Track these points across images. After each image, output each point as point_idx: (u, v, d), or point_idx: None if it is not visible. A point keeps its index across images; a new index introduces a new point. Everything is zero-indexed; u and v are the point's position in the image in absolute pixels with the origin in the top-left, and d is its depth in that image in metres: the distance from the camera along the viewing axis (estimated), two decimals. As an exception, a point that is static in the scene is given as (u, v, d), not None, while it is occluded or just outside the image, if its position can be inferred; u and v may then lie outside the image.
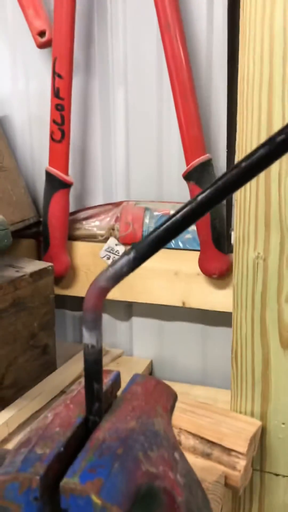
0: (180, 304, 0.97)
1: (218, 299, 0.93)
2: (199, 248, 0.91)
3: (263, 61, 0.64)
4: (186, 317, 1.02)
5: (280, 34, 0.63)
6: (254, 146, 0.66)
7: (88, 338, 0.38)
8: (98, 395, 0.40)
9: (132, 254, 0.37)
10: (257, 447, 0.76)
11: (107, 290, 0.38)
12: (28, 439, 0.39)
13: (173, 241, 0.93)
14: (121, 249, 0.98)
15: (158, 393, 0.45)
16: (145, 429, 0.40)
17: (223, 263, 0.88)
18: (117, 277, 0.37)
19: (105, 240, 0.99)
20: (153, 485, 0.37)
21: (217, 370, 1.02)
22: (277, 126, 0.65)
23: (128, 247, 0.97)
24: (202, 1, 0.86)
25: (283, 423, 0.75)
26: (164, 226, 0.36)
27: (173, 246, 0.94)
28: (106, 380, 0.45)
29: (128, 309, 1.07)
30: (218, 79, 0.88)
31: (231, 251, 0.88)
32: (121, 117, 0.97)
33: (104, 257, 1.00)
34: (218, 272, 0.88)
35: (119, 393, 0.47)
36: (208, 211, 0.36)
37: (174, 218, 0.36)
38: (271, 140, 0.32)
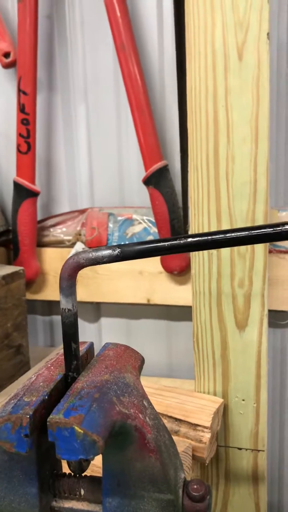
0: (145, 302, 1.04)
1: (180, 294, 1.01)
2: (160, 248, 0.99)
3: (207, 75, 0.73)
4: (151, 315, 1.09)
5: (220, 50, 0.72)
6: (204, 151, 0.75)
7: (64, 303, 0.45)
8: (76, 353, 0.46)
9: (116, 251, 0.43)
10: (221, 423, 0.83)
11: (82, 266, 0.44)
12: (16, 393, 0.45)
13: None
14: (88, 252, 1.04)
15: (128, 355, 0.52)
16: (117, 381, 0.46)
17: (183, 260, 0.96)
18: (95, 262, 0.43)
19: (72, 245, 1.06)
20: (126, 423, 0.43)
21: (182, 362, 1.09)
22: (222, 133, 0.74)
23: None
24: (153, 23, 0.96)
25: (243, 400, 0.82)
26: (153, 245, 0.42)
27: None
28: (82, 348, 0.52)
29: (97, 311, 1.13)
30: (170, 92, 0.97)
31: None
32: (83, 130, 1.05)
33: (72, 261, 1.06)
34: (179, 268, 0.96)
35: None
36: (191, 251, 0.42)
37: (162, 244, 0.42)
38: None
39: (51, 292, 1.09)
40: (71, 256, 0.44)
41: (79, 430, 0.39)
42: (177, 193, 0.96)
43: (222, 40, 0.72)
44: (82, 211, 1.07)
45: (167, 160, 0.95)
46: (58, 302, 1.12)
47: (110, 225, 1.03)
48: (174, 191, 0.95)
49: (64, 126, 1.05)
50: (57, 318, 1.16)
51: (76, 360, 0.46)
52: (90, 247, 1.04)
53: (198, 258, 0.80)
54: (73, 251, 1.06)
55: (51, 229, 1.08)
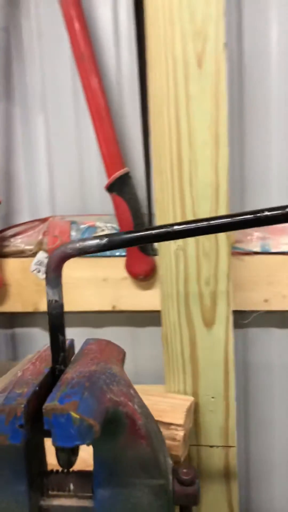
0: (110, 308, 1.04)
1: (146, 299, 1.02)
2: (124, 254, 1.00)
3: (169, 82, 0.77)
4: (115, 322, 1.10)
5: (180, 59, 0.75)
6: (168, 156, 0.78)
7: (51, 294, 0.45)
8: (63, 345, 0.46)
9: (104, 240, 0.43)
10: (192, 422, 0.84)
11: (69, 257, 0.44)
12: (4, 388, 0.44)
13: (99, 249, 1.01)
14: (51, 261, 1.04)
15: (110, 349, 0.52)
16: (105, 371, 0.47)
17: (148, 264, 0.98)
18: (82, 252, 0.44)
19: (34, 254, 1.05)
20: (118, 409, 0.44)
21: (148, 368, 1.10)
22: (184, 137, 0.77)
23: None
24: (109, 33, 0.98)
25: (213, 397, 0.84)
26: (139, 234, 0.43)
27: (99, 255, 1.03)
28: (63, 345, 0.52)
29: (60, 321, 1.13)
30: (129, 101, 0.99)
31: (154, 254, 0.98)
32: (42, 141, 1.05)
33: (34, 270, 1.05)
34: (144, 273, 0.98)
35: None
36: (176, 238, 0.43)
37: (148, 232, 0.43)
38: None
39: (13, 303, 1.08)
40: (58, 247, 0.44)
41: (76, 416, 0.39)
42: (140, 200, 0.98)
43: (182, 49, 0.75)
44: (43, 220, 1.07)
45: (128, 167, 0.97)
46: (20, 314, 1.11)
47: (73, 233, 1.04)
48: (137, 197, 0.97)
49: (23, 137, 1.06)
50: (20, 331, 1.14)
51: (63, 352, 0.46)
52: (53, 256, 1.04)
53: (166, 260, 0.82)
54: (35, 260, 1.05)
55: (12, 239, 1.07)
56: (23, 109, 1.05)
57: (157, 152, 0.79)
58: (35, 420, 0.42)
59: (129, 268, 0.99)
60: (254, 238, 0.96)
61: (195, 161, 0.78)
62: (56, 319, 0.45)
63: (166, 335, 0.84)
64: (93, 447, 0.46)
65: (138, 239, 0.43)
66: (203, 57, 0.75)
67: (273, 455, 1.07)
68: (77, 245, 0.44)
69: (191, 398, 0.83)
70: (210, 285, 0.80)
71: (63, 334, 0.46)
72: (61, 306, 0.45)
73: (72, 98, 1.02)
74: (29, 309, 1.08)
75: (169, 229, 0.42)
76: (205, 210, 0.79)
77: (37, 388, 0.43)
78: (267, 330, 1.03)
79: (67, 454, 0.47)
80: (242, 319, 1.02)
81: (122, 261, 1.02)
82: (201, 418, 0.85)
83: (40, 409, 0.42)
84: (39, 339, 1.15)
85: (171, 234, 0.42)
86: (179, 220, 0.80)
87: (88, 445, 0.40)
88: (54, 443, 0.40)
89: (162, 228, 0.42)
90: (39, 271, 1.05)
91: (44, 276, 1.05)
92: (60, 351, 0.46)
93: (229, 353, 0.82)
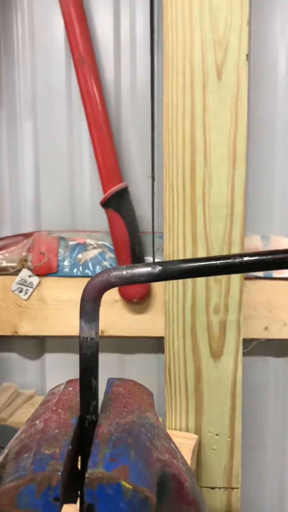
0: (99, 334, 0.96)
1: (137, 324, 0.95)
2: (117, 274, 0.93)
3: (185, 92, 0.71)
4: (102, 348, 1.01)
5: (199, 68, 0.70)
6: (180, 170, 0.72)
7: (87, 330, 0.37)
8: (96, 392, 0.38)
9: (157, 269, 0.36)
10: (195, 463, 0.77)
11: (111, 286, 0.37)
12: (24, 445, 0.36)
13: (91, 269, 0.94)
14: (35, 280, 0.95)
15: (139, 391, 0.45)
16: (143, 422, 0.39)
17: (143, 287, 0.91)
18: (129, 281, 0.36)
19: (17, 272, 0.96)
20: (164, 471, 0.36)
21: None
22: (199, 152, 0.71)
23: (44, 278, 0.96)
24: (109, 39, 0.92)
25: (217, 434, 0.78)
26: (201, 263, 0.35)
27: (90, 274, 0.95)
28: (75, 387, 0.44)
29: (40, 346, 1.03)
30: (127, 111, 0.93)
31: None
32: (30, 148, 0.97)
33: (16, 290, 0.96)
34: (139, 296, 0.90)
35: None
36: (245, 272, 0.36)
37: (213, 262, 0.36)
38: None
39: (-9, 325, 0.98)
40: (99, 274, 0.37)
41: (128, 486, 0.31)
42: (137, 218, 0.91)
43: (201, 58, 0.70)
44: (27, 235, 0.98)
45: (126, 182, 0.90)
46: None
47: (61, 250, 0.95)
48: (135, 215, 0.90)
49: (8, 141, 0.97)
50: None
51: (95, 399, 0.38)
52: (38, 275, 0.95)
53: (172, 283, 0.75)
54: (17, 279, 0.96)
55: (-8, 255, 0.97)
56: (10, 113, 0.97)
57: (169, 166, 0.72)
58: (68, 486, 0.34)
59: (123, 290, 0.92)
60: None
61: (209, 178, 0.72)
62: (89, 361, 0.38)
63: (169, 366, 0.77)
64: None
65: (199, 270, 0.36)
66: (223, 67, 0.69)
67: (265, 491, 1.01)
68: (124, 272, 0.36)
69: (195, 436, 0.76)
70: (220, 313, 0.74)
71: (96, 378, 0.38)
72: (97, 345, 0.38)
73: (65, 103, 0.95)
74: (7, 332, 0.98)
75: (237, 260, 0.35)
76: (217, 232, 0.73)
77: (70, 446, 0.35)
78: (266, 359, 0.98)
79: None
80: (243, 347, 0.97)
81: (114, 282, 0.94)
82: (204, 457, 0.78)
83: (71, 474, 0.34)
84: (15, 365, 1.05)
85: (240, 267, 0.35)
86: (189, 241, 0.74)
87: (140, 522, 0.32)
88: (97, 521, 0.32)
89: (229, 259, 0.35)
90: (21, 291, 0.96)
91: (27, 296, 0.96)
92: (92, 398, 0.38)
93: (237, 386, 0.76)
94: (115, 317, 0.95)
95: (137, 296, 0.91)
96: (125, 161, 0.94)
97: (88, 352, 0.37)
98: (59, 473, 0.32)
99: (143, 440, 0.37)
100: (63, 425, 0.38)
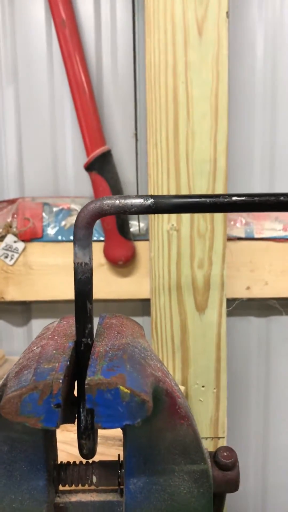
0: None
1: (123, 287, 0.97)
2: (102, 239, 0.94)
3: (167, 49, 0.72)
4: (88, 312, 1.03)
5: (180, 24, 0.71)
6: (164, 127, 0.73)
7: (81, 256, 0.39)
8: (91, 316, 0.40)
9: (148, 201, 0.37)
10: (182, 412, 0.80)
11: (104, 214, 0.38)
12: (24, 365, 0.37)
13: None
14: (21, 245, 0.96)
15: (130, 323, 0.47)
16: (136, 344, 0.41)
17: (128, 249, 0.92)
18: (120, 210, 0.37)
19: (2, 238, 0.96)
20: (158, 386, 0.38)
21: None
22: (182, 108, 0.73)
23: (29, 243, 0.96)
24: (90, 1, 0.92)
25: (203, 386, 0.80)
26: (192, 199, 0.37)
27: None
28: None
29: (26, 313, 1.04)
30: (108, 73, 0.93)
31: (135, 239, 0.93)
32: (11, 115, 0.97)
33: (1, 255, 0.96)
34: (124, 258, 0.92)
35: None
36: (233, 211, 0.37)
37: (203, 200, 0.37)
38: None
39: (-23, 291, 0.98)
40: (92, 201, 0.38)
41: (125, 390, 0.33)
42: (121, 181, 0.92)
43: (182, 15, 0.71)
44: (11, 201, 0.98)
45: (108, 145, 0.91)
46: (-16, 303, 1.02)
47: (45, 215, 0.96)
48: (118, 178, 0.91)
49: (-9, 108, 0.97)
50: (-19, 323, 1.05)
51: (90, 323, 0.40)
52: (23, 240, 0.96)
53: (157, 238, 0.77)
54: (2, 244, 0.96)
55: (-24, 222, 0.98)
56: (-9, 80, 0.96)
57: (153, 123, 0.74)
58: (64, 399, 0.35)
59: (108, 252, 0.93)
60: (238, 223, 0.93)
61: (192, 134, 0.73)
62: (84, 285, 0.39)
63: (156, 321, 0.79)
64: (124, 431, 0.40)
65: (189, 206, 0.37)
66: (204, 24, 0.71)
67: (249, 442, 1.05)
68: (117, 202, 0.37)
69: (182, 388, 0.79)
70: (204, 267, 0.76)
71: (91, 302, 0.40)
72: (91, 270, 0.39)
73: (46, 67, 0.95)
74: (-6, 298, 0.99)
75: (226, 200, 0.37)
76: (201, 187, 0.75)
77: (68, 362, 0.36)
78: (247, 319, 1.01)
79: (92, 441, 0.41)
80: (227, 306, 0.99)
81: (98, 246, 0.95)
82: (190, 408, 0.81)
83: (70, 390, 0.36)
84: (2, 332, 1.06)
85: (228, 206, 0.37)
86: (173, 197, 0.75)
87: (138, 425, 0.34)
88: (98, 425, 0.33)
89: (219, 197, 0.37)
90: (6, 256, 0.97)
91: (12, 262, 0.97)
92: (87, 322, 0.40)
93: (222, 339, 0.78)
94: (100, 280, 0.96)
95: (122, 258, 0.92)
96: (108, 124, 0.95)
97: (82, 277, 0.39)
98: (60, 381, 0.33)
99: (137, 358, 0.38)
100: (61, 347, 0.39)
